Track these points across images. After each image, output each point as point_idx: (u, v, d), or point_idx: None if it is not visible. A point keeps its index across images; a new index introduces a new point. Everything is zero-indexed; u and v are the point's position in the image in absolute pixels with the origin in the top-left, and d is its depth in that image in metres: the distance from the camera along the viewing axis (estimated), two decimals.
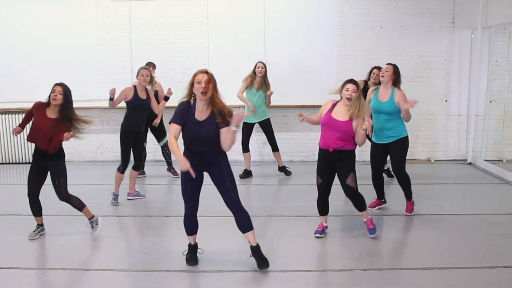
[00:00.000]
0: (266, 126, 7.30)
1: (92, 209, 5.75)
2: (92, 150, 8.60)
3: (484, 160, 8.08)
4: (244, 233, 4.04)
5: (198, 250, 4.23)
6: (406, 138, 5.35)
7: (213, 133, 3.76)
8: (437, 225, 5.26)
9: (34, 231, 4.83)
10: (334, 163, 4.60)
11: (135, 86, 5.97)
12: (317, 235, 4.78)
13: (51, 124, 4.55)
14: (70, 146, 8.64)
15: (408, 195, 5.48)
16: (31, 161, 4.80)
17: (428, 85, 8.37)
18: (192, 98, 3.81)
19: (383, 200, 5.71)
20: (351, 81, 4.54)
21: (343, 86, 4.52)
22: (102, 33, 8.47)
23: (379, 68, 6.64)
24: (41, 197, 4.83)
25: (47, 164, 4.70)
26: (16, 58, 8.50)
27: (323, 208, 4.80)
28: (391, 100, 5.22)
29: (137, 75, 5.98)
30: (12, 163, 8.63)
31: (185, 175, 3.80)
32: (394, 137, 5.29)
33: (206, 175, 4.00)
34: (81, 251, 4.61)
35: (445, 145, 8.66)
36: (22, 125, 4.86)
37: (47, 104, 4.62)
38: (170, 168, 7.47)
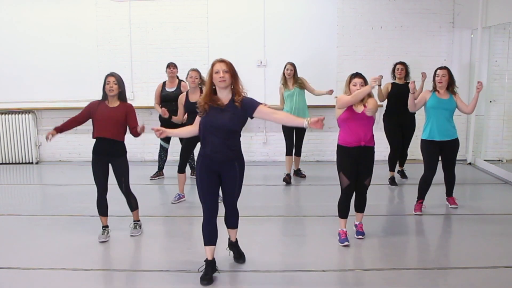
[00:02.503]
0: (301, 131, 6.92)
1: (92, 209, 5.74)
2: (92, 150, 8.58)
3: (484, 160, 8.08)
4: (229, 229, 4.10)
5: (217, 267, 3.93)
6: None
7: (229, 120, 3.62)
8: (436, 225, 5.26)
9: (103, 234, 4.77)
10: (359, 160, 4.49)
11: (187, 91, 5.91)
12: (346, 243, 4.57)
13: (117, 111, 4.62)
14: (70, 146, 8.75)
15: (451, 191, 5.71)
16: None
17: (428, 85, 8.36)
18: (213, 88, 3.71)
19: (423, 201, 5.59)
20: (357, 75, 4.51)
21: (350, 80, 4.50)
22: (102, 33, 8.48)
23: (402, 63, 6.81)
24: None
25: (111, 160, 4.74)
26: (16, 58, 8.51)
27: (346, 209, 4.64)
28: (451, 97, 5.41)
29: (186, 77, 5.94)
30: (12, 163, 8.64)
31: (200, 174, 3.75)
32: (455, 135, 5.41)
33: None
34: (79, 250, 4.61)
35: None
36: (62, 129, 4.83)
37: (104, 98, 4.68)
38: (194, 171, 7.37)
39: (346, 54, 8.37)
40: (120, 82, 4.64)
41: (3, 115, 8.59)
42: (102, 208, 4.78)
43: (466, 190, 7.05)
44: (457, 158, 8.38)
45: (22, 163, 8.62)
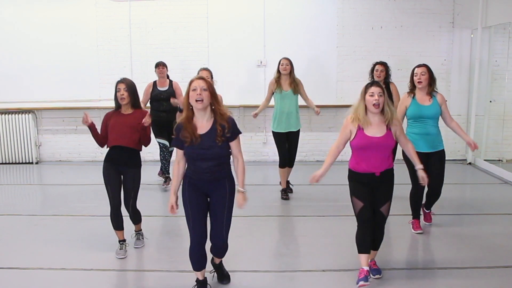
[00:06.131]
0: (294, 138, 6.21)
1: (92, 209, 5.80)
2: (92, 150, 8.59)
3: (484, 160, 8.08)
4: (214, 256, 3.78)
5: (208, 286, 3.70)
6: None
7: (216, 150, 3.38)
8: (436, 225, 5.25)
9: (121, 249, 4.47)
10: (374, 185, 3.78)
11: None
12: (362, 283, 3.65)
13: (133, 118, 4.34)
14: (70, 146, 8.76)
15: (431, 206, 5.19)
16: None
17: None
18: (190, 109, 3.41)
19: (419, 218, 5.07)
20: (374, 83, 3.78)
21: (365, 91, 3.72)
22: (102, 33, 8.48)
23: (383, 64, 6.23)
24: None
25: (124, 170, 4.39)
26: (16, 58, 8.51)
27: (366, 242, 3.75)
28: (434, 102, 4.76)
29: None
30: (12, 163, 8.64)
31: (189, 196, 3.47)
32: (441, 146, 4.85)
33: None
34: (79, 250, 4.61)
35: (445, 145, 8.62)
36: (94, 127, 4.43)
37: (117, 107, 4.42)
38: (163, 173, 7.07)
39: (346, 54, 8.37)
40: (131, 88, 4.36)
41: (3, 115, 8.59)
42: (118, 222, 4.43)
43: (466, 190, 7.06)
44: (457, 158, 8.53)
45: (22, 163, 8.62)
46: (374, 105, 3.65)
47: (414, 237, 4.97)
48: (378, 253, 4.13)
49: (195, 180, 3.47)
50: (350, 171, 3.85)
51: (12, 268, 4.16)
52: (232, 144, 3.47)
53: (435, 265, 4.21)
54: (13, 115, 8.60)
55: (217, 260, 3.83)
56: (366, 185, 3.76)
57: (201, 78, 3.40)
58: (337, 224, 5.13)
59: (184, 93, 3.52)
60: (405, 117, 4.90)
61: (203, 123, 3.41)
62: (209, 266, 3.78)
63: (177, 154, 3.53)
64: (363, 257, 3.75)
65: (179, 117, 3.64)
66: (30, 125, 8.63)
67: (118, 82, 4.39)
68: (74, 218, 5.52)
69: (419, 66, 4.87)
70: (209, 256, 3.72)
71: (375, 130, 3.69)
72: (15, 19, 8.47)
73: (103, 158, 4.46)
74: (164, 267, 4.20)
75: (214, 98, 3.39)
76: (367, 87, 3.75)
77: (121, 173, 4.39)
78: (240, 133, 3.51)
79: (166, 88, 6.70)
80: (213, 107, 3.41)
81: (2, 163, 8.61)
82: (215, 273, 3.89)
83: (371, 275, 3.87)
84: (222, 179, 3.49)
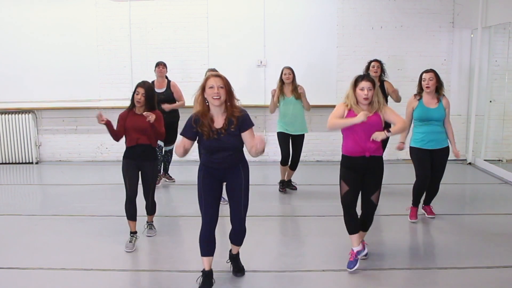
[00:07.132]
0: (299, 142, 6.33)
1: (92, 209, 5.80)
2: (92, 150, 8.60)
3: (484, 160, 8.09)
4: (233, 244, 3.93)
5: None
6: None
7: (231, 141, 3.51)
8: (436, 225, 5.26)
9: (130, 241, 4.61)
10: (364, 172, 3.96)
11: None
12: (354, 267, 4.02)
13: (144, 118, 4.47)
14: (70, 146, 8.76)
15: (430, 201, 5.40)
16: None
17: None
18: (206, 104, 3.51)
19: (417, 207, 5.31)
20: (365, 77, 3.93)
21: (355, 84, 3.91)
22: (102, 33, 8.47)
23: (378, 61, 6.35)
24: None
25: (142, 165, 4.61)
26: (16, 58, 8.50)
27: (354, 223, 4.06)
28: (440, 105, 4.95)
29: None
30: (12, 163, 8.64)
31: (203, 181, 3.58)
32: (445, 143, 5.04)
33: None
34: (79, 250, 4.61)
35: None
36: (110, 124, 4.62)
37: (131, 106, 4.64)
38: (165, 174, 7.12)
39: (346, 54, 8.37)
40: (149, 94, 4.57)
41: (3, 115, 8.59)
42: (132, 212, 4.62)
43: (466, 190, 7.06)
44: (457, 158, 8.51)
45: (22, 163, 8.61)
46: (364, 98, 3.85)
47: (414, 237, 4.97)
48: (378, 252, 4.15)
49: (210, 168, 3.61)
50: (342, 156, 4.06)
51: (12, 268, 4.16)
52: (244, 135, 3.51)
53: (435, 265, 4.21)
54: (13, 115, 8.60)
55: (235, 250, 3.96)
56: (356, 171, 3.96)
57: (218, 75, 3.52)
58: (337, 224, 5.11)
59: (196, 89, 3.57)
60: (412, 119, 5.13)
61: (218, 117, 3.52)
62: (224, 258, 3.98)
63: (181, 140, 3.52)
64: (354, 237, 4.07)
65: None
66: (30, 125, 8.63)
67: (138, 86, 4.59)
68: (74, 218, 5.52)
69: (427, 71, 5.04)
70: (228, 246, 3.95)
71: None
72: (15, 19, 8.47)
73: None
74: (164, 267, 4.20)
75: (229, 94, 3.49)
76: (357, 80, 3.91)
77: (139, 167, 4.61)
78: (252, 125, 3.55)
79: (163, 89, 6.69)
80: (228, 103, 3.51)
81: (2, 163, 8.60)
82: (231, 264, 4.01)
83: (358, 256, 4.08)
84: (236, 165, 3.63)
